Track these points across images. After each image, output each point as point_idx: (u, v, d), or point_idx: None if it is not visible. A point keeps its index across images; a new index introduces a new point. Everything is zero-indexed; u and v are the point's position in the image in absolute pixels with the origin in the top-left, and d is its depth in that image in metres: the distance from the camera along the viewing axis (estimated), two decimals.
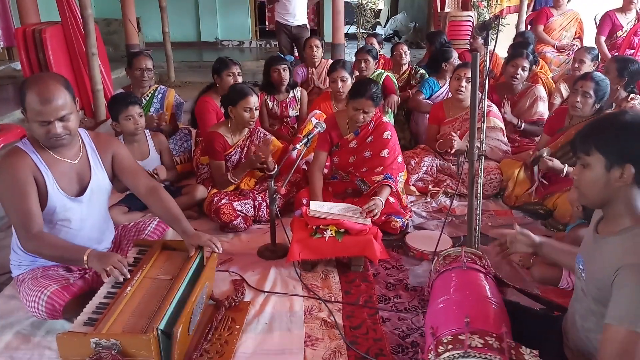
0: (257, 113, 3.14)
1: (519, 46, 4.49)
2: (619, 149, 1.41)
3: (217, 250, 2.13)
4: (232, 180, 3.12)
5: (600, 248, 1.47)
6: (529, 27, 6.45)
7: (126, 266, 1.96)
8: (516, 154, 3.67)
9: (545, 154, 3.07)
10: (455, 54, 4.57)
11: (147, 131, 3.29)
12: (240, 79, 3.75)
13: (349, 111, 3.06)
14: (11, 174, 1.97)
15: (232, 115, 3.12)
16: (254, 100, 3.08)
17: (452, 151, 3.47)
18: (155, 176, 2.98)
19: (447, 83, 4.36)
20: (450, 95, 3.95)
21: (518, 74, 3.83)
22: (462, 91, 3.55)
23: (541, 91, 3.94)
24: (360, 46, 5.25)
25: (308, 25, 6.54)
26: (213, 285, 2.33)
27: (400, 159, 3.17)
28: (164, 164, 3.29)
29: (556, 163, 3.02)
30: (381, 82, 4.36)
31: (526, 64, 3.83)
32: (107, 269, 1.91)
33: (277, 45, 6.57)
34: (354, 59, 4.72)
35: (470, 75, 3.43)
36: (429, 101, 4.34)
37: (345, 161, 3.18)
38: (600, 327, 1.47)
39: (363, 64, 4.53)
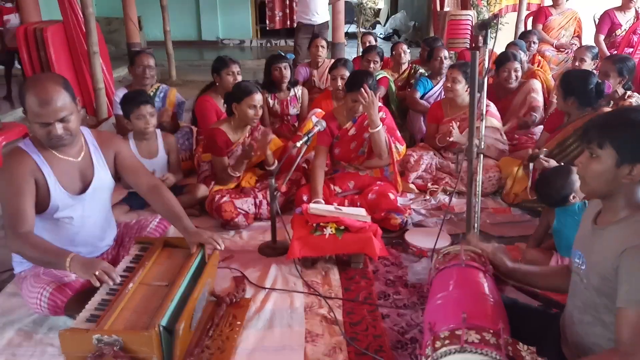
0: (261, 111, 3.15)
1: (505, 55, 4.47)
2: (634, 149, 1.41)
3: (218, 248, 2.13)
4: (233, 175, 3.14)
5: (600, 238, 1.50)
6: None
7: (115, 272, 1.91)
8: (515, 152, 3.68)
9: (542, 155, 3.08)
10: (443, 53, 4.54)
11: (158, 131, 3.29)
12: (240, 78, 3.76)
13: (347, 103, 3.09)
14: (10, 174, 1.98)
15: (235, 113, 3.13)
16: (258, 98, 3.10)
17: (450, 139, 3.52)
18: (164, 182, 3.00)
19: (441, 82, 4.40)
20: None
21: (512, 77, 3.95)
22: (449, 90, 3.64)
23: (535, 83, 4.02)
24: (368, 46, 5.18)
25: (330, 22, 6.45)
26: (215, 282, 2.34)
27: (398, 133, 3.25)
28: (171, 165, 3.30)
29: (552, 164, 3.02)
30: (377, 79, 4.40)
31: (517, 66, 3.94)
32: (97, 274, 1.85)
33: (293, 45, 6.43)
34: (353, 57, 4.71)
35: (456, 76, 3.56)
36: (423, 101, 4.38)
37: (346, 150, 3.20)
38: (598, 320, 1.49)
39: (372, 65, 4.53)
